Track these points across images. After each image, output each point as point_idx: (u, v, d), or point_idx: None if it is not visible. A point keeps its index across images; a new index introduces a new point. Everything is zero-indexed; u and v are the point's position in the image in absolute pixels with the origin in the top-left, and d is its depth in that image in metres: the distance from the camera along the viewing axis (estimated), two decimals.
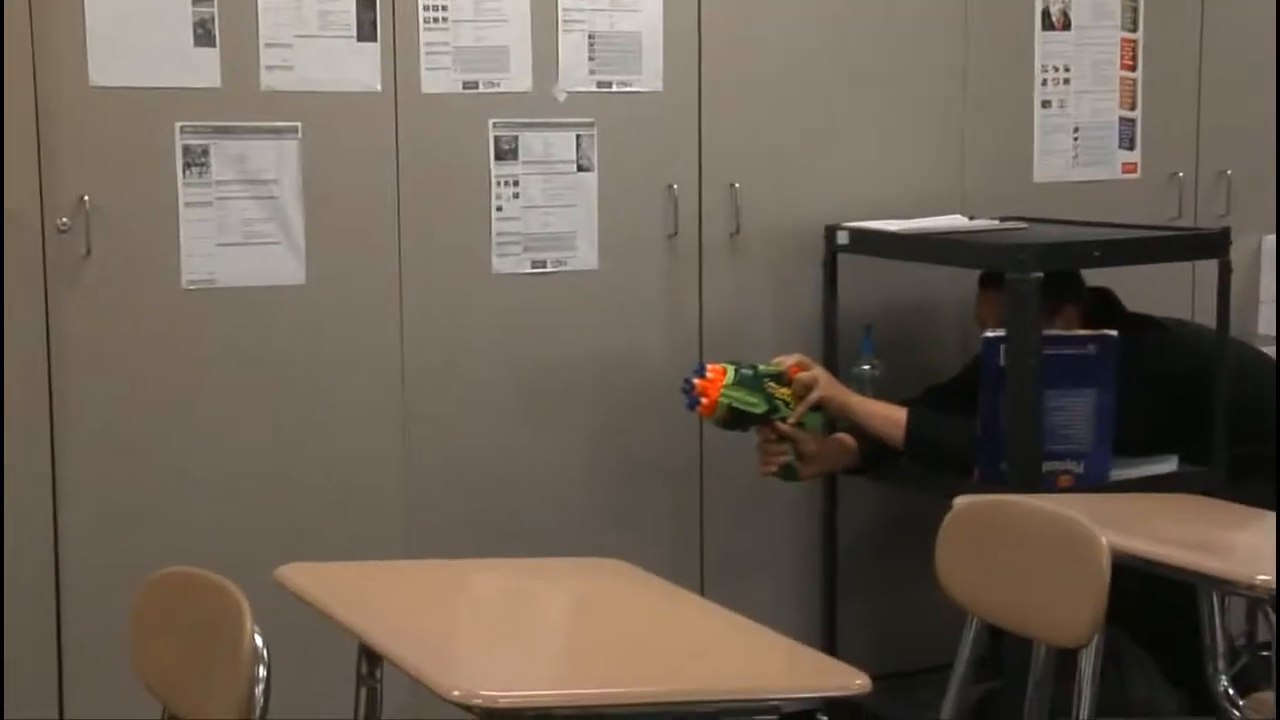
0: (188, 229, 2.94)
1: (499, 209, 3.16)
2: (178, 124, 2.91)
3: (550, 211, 3.20)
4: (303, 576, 2.24)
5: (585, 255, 3.25)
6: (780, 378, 3.03)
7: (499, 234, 3.17)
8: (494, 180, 3.15)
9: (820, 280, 3.40)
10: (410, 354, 3.13)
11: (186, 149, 2.93)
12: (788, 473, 3.11)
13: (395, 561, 2.81)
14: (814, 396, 3.03)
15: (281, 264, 3.02)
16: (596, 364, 3.27)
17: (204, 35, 2.91)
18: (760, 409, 3.01)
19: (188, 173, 2.93)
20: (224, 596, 1.91)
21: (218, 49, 2.92)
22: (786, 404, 3.03)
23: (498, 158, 3.15)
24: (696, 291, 3.34)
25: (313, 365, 3.06)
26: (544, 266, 3.22)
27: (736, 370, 2.99)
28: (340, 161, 3.04)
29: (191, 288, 2.96)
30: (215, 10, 2.90)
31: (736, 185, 3.33)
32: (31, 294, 2.84)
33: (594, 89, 3.21)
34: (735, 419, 3.02)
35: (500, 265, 3.18)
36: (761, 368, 3.02)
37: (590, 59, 3.20)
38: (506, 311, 3.19)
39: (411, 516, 3.14)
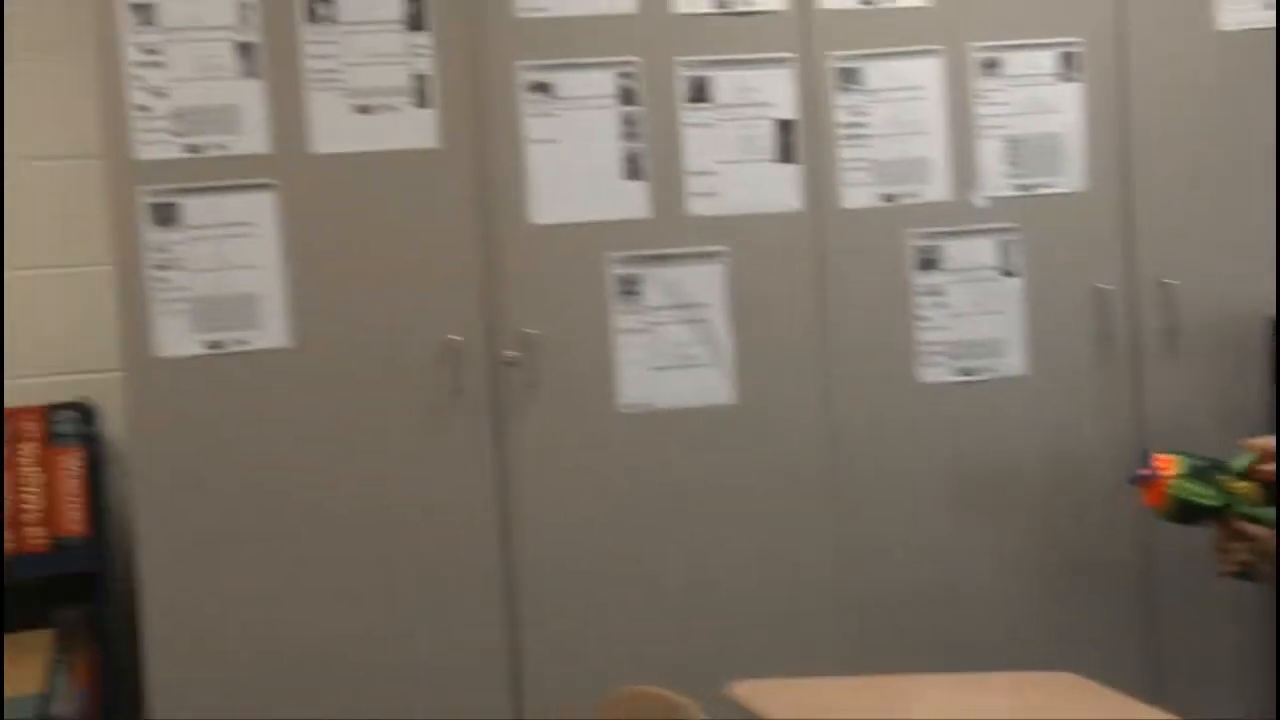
0: (624, 355, 3.06)
1: (924, 319, 3.16)
2: (611, 254, 3.05)
3: (976, 319, 3.17)
4: (753, 693, 2.27)
5: (1013, 361, 3.19)
6: (1236, 471, 2.88)
7: (925, 344, 3.16)
8: (917, 290, 3.16)
9: (1266, 374, 3.24)
10: (840, 467, 3.14)
11: (620, 278, 3.05)
12: (1247, 574, 2.94)
13: (842, 678, 2.79)
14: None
15: (713, 384, 3.10)
16: (1029, 470, 3.20)
17: (633, 169, 3.04)
18: (1213, 502, 2.87)
19: (622, 301, 3.06)
20: (681, 713, 1.95)
21: (647, 181, 3.05)
22: (1244, 500, 2.87)
23: (920, 268, 3.15)
24: (1132, 392, 3.23)
25: (745, 481, 3.11)
26: (972, 374, 3.18)
27: (1188, 461, 2.86)
28: (765, 281, 3.10)
29: (629, 411, 3.07)
30: (644, 144, 3.04)
31: (1169, 281, 3.22)
32: (482, 425, 2.99)
33: (1015, 193, 3.18)
34: (1185, 513, 2.88)
35: (927, 375, 3.17)
36: (1226, 461, 2.87)
37: (1010, 163, 3.17)
38: (935, 421, 3.17)
39: (845, 627, 3.14)
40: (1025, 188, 3.19)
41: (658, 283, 3.07)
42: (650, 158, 3.05)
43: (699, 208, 3.08)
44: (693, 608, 3.09)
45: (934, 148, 3.15)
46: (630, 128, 3.04)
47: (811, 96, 3.10)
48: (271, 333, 2.92)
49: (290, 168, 2.90)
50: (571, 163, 3.02)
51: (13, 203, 3.33)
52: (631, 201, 3.05)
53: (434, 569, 2.98)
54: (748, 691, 2.27)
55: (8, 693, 2.97)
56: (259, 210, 2.90)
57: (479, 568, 3.01)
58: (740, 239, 3.09)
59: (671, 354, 3.08)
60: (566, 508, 3.04)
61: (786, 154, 3.10)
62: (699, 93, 3.06)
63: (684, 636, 3.08)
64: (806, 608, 3.14)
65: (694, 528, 3.10)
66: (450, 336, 2.97)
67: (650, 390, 3.08)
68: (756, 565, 3.12)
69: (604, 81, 3.02)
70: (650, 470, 3.08)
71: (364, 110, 2.92)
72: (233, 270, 2.89)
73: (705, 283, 3.08)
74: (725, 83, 3.06)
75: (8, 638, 3.10)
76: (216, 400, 2.89)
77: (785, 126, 3.09)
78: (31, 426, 3.08)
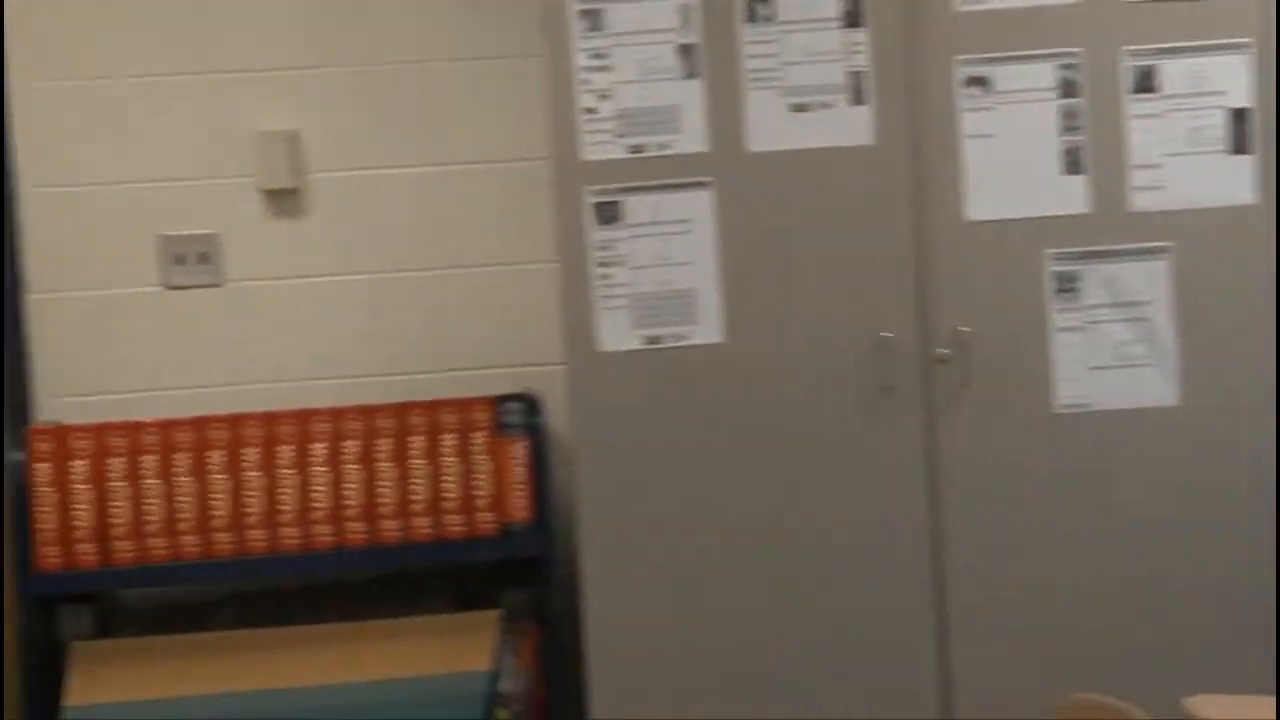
0: (1060, 354, 2.99)
1: None
2: (1049, 251, 2.98)
3: None
4: (1213, 708, 2.17)
5: None
6: None
7: None
8: None
9: None
10: None
11: (1057, 275, 2.98)
12: None
13: None
14: None
15: (1152, 385, 2.98)
16: None
17: (1072, 163, 2.96)
18: None
19: (1058, 298, 2.98)
20: None
21: (1087, 175, 2.96)
22: None
23: None
24: None
25: (1187, 486, 2.98)
26: None
27: None
28: (1214, 278, 2.96)
29: (1065, 411, 2.99)
30: (1085, 138, 2.96)
31: None
32: (913, 422, 2.97)
33: None
34: None
35: None
36: None
37: None
38: None
39: None
40: None
41: (1097, 280, 2.97)
42: (1091, 151, 2.96)
43: (1143, 202, 2.96)
44: (1127, 614, 2.99)
45: None
46: (1071, 121, 2.96)
47: (1270, 83, 2.94)
48: (707, 328, 2.98)
49: (727, 166, 2.95)
50: (1008, 158, 2.96)
51: (462, 203, 3.51)
52: (1071, 196, 2.97)
53: (863, 563, 2.98)
54: (1206, 705, 2.17)
55: (461, 666, 3.15)
56: (697, 208, 2.96)
57: (909, 564, 2.98)
58: (1187, 234, 2.96)
59: (1111, 353, 2.98)
60: (998, 507, 2.99)
61: (1240, 145, 2.95)
62: (1145, 82, 2.94)
63: (1117, 643, 2.97)
64: (1247, 619, 2.98)
65: (1131, 532, 2.99)
66: (882, 333, 2.96)
67: (1088, 390, 2.99)
68: (1196, 573, 2.98)
69: (1044, 74, 2.95)
70: (1086, 472, 2.99)
71: (800, 108, 2.94)
72: (671, 267, 2.96)
73: (1148, 280, 2.97)
74: (1174, 71, 2.94)
75: (461, 615, 3.28)
76: (654, 393, 2.97)
77: (1239, 116, 2.94)
78: (481, 416, 3.25)
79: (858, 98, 2.95)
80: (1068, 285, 2.98)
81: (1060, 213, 2.97)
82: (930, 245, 2.97)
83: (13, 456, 3.21)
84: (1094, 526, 2.99)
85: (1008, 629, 2.99)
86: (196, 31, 3.47)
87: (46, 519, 3.17)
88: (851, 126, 2.95)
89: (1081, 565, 2.99)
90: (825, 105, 2.95)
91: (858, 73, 2.94)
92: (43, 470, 3.18)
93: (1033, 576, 2.99)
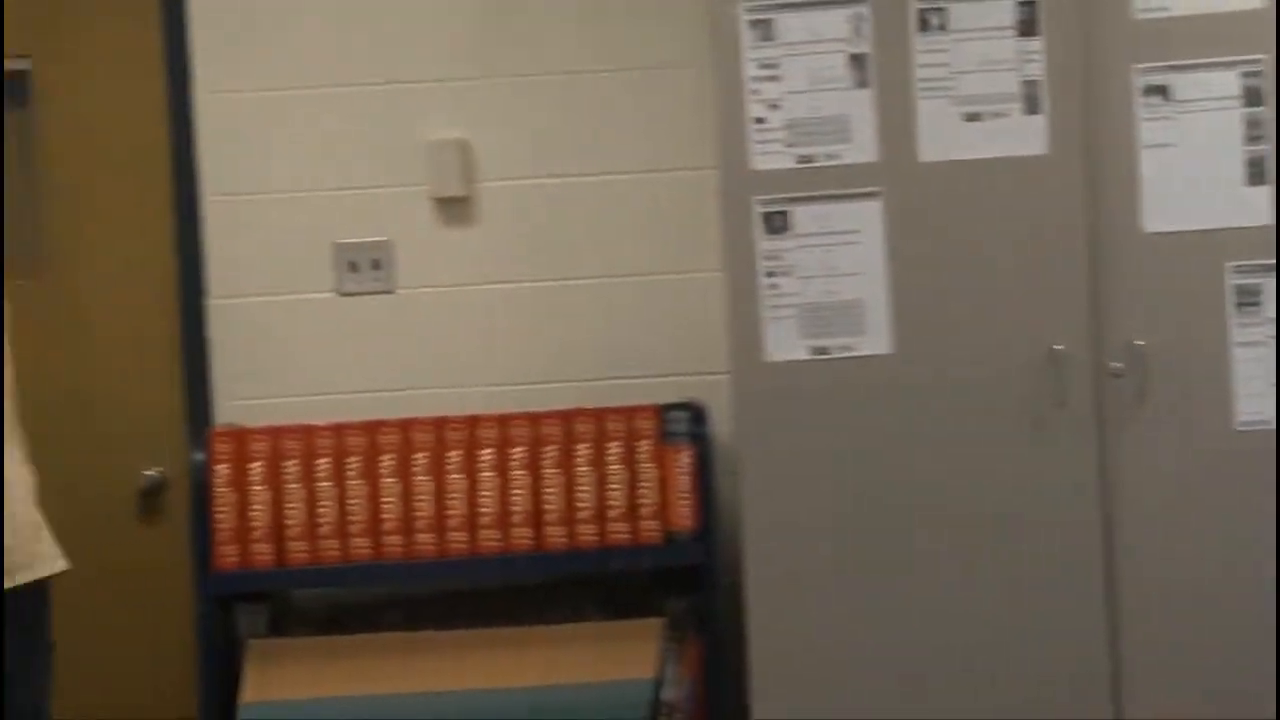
0: (1240, 369, 2.91)
1: None
2: (1230, 263, 2.90)
3: None
4: None
5: None
6: None
7: None
8: None
9: None
10: None
11: (1238, 288, 2.90)
12: None
13: None
14: None
15: None
16: None
17: (1256, 174, 2.88)
18: None
19: (1239, 312, 2.91)
20: None
21: (1272, 186, 2.88)
22: None
23: None
24: None
25: None
26: None
27: None
28: None
29: (1245, 429, 2.91)
30: (1269, 147, 2.87)
31: None
32: (1086, 437, 2.91)
33: None
34: None
35: None
36: None
37: None
38: None
39: None
40: None
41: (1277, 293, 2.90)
42: (1276, 161, 2.88)
43: None
44: None
45: None
46: (1254, 130, 2.88)
47: None
48: (875, 339, 2.95)
49: (897, 176, 2.93)
50: (1188, 168, 2.90)
51: (628, 212, 3.53)
52: (1254, 208, 2.89)
53: (1034, 577, 2.93)
54: None
55: (624, 674, 3.17)
56: (866, 218, 2.94)
57: (1081, 580, 2.93)
58: None
59: None
60: (1175, 525, 2.92)
61: None
62: None
63: None
64: None
65: None
66: (1055, 346, 2.91)
67: (1270, 407, 2.90)
68: None
69: (1227, 82, 2.88)
70: (1266, 490, 2.90)
71: (972, 118, 2.91)
72: (839, 277, 2.95)
73: None
74: None
75: (625, 623, 3.30)
76: (820, 404, 2.96)
77: None
78: (647, 425, 3.26)
79: (1032, 107, 2.90)
80: (1249, 299, 2.90)
81: (1242, 224, 2.90)
82: (1105, 257, 2.91)
83: (194, 457, 3.31)
84: (1273, 546, 2.91)
85: (1184, 648, 2.92)
86: (370, 44, 3.54)
87: (225, 519, 3.26)
88: (1025, 136, 2.91)
89: (1260, 586, 2.90)
90: (998, 115, 2.91)
91: (1032, 82, 2.90)
92: (222, 471, 3.27)
93: (1209, 595, 2.92)
